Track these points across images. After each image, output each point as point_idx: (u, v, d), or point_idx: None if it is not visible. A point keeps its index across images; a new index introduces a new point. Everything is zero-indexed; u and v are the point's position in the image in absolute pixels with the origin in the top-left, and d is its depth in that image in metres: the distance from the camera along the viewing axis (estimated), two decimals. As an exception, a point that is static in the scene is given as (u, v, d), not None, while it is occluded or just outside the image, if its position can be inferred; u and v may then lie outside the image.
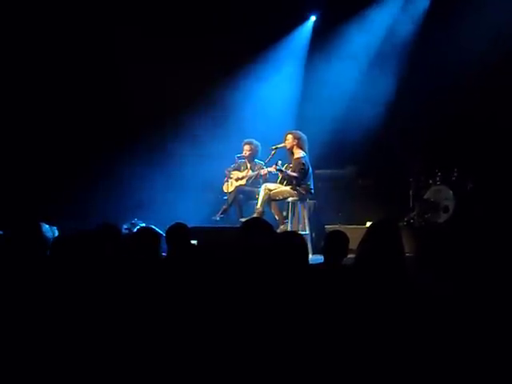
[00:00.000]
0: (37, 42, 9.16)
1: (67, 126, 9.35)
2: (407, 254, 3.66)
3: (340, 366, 2.94)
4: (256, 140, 8.74)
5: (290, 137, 8.00)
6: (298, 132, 8.09)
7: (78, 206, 9.08)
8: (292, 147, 7.98)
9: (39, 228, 4.41)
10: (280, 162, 7.91)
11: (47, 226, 4.68)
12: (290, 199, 7.96)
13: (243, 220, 7.87)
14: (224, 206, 8.55)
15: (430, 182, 8.59)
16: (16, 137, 9.20)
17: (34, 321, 3.31)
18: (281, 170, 7.88)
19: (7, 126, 9.19)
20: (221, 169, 8.89)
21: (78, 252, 3.64)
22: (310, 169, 8.01)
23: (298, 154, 7.92)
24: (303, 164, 7.85)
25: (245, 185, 8.61)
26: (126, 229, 8.33)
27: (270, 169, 8.13)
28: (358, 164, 9.48)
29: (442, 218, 8.37)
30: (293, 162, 7.97)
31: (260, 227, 3.91)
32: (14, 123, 9.22)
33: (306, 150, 8.01)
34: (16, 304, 3.42)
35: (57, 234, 6.56)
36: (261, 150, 8.68)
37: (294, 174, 7.86)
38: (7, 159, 9.16)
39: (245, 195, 8.57)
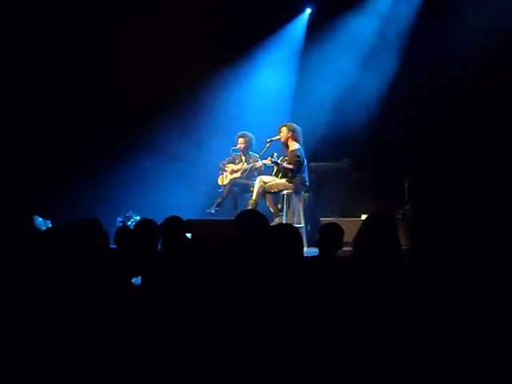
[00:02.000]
0: (24, 37, 9.09)
1: (61, 120, 9.31)
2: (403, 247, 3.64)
3: (337, 359, 2.93)
4: (250, 132, 8.72)
5: (284, 129, 7.99)
6: (293, 124, 8.07)
7: (72, 199, 9.05)
8: (287, 140, 7.97)
9: (31, 221, 4.39)
10: (275, 154, 7.89)
11: (40, 219, 4.67)
12: (284, 192, 7.96)
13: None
14: (219, 199, 8.54)
15: (426, 174, 8.58)
16: (9, 131, 9.15)
17: (28, 315, 3.29)
18: (276, 163, 7.87)
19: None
20: (215, 162, 8.87)
21: (68, 243, 3.62)
22: (305, 161, 7.99)
23: (293, 146, 7.91)
24: (298, 156, 7.84)
25: (240, 177, 8.60)
26: (120, 221, 8.32)
27: (265, 161, 8.12)
28: (353, 157, 9.46)
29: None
30: (288, 155, 7.95)
31: (254, 219, 3.89)
32: (6, 118, 9.16)
33: (301, 143, 7.99)
34: (8, 297, 3.40)
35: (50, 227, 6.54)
36: (255, 142, 8.66)
37: (290, 166, 7.85)
38: (0, 154, 9.12)
39: (240, 188, 8.56)
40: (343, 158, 9.50)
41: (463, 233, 3.86)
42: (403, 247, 3.57)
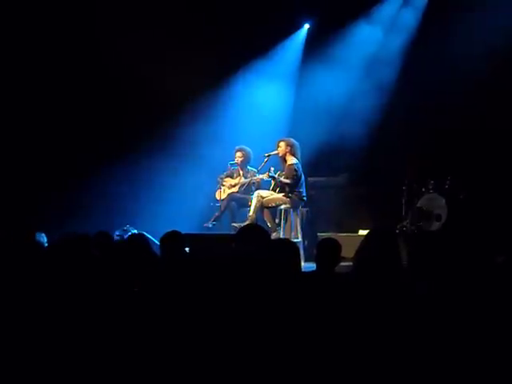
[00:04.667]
0: (23, 49, 9.11)
1: (59, 133, 9.31)
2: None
3: (336, 374, 2.92)
4: (248, 147, 8.75)
5: (282, 144, 8.01)
6: (291, 139, 8.09)
7: (69, 212, 9.04)
8: (285, 154, 7.99)
9: (34, 234, 4.42)
10: (273, 168, 7.91)
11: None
12: (282, 206, 7.96)
13: (235, 225, 7.87)
14: (216, 213, 8.54)
15: (423, 190, 8.58)
16: (7, 144, 9.15)
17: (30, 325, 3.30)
18: (273, 177, 7.88)
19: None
20: (213, 176, 8.88)
21: (73, 255, 3.64)
22: (303, 176, 8.01)
23: (291, 160, 7.93)
24: (295, 170, 7.85)
25: (237, 192, 8.60)
26: (117, 235, 8.28)
27: (262, 176, 8.13)
28: (351, 172, 9.48)
29: (435, 226, 8.36)
30: (285, 169, 7.97)
31: (256, 234, 3.90)
32: (5, 130, 9.17)
33: (299, 157, 8.01)
34: (12, 309, 3.41)
35: (45, 239, 6.54)
36: (253, 156, 8.68)
37: (287, 181, 7.86)
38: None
39: (237, 202, 8.57)
40: (341, 173, 9.52)
41: (464, 247, 3.86)
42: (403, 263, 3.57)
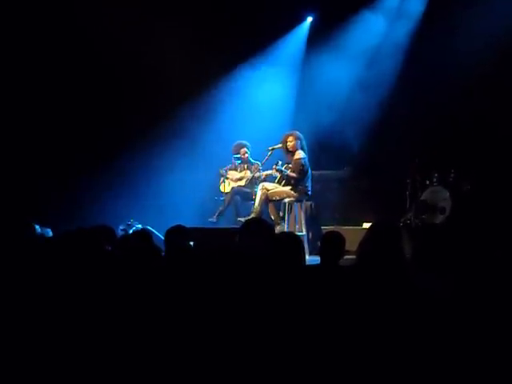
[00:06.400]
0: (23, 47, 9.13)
1: (62, 129, 9.32)
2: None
3: (338, 367, 2.93)
4: (252, 141, 8.79)
5: (291, 138, 7.96)
6: (298, 133, 8.07)
7: (73, 207, 9.07)
8: (294, 148, 7.95)
9: (31, 228, 4.42)
10: (280, 162, 7.90)
11: (37, 226, 4.71)
12: (286, 200, 7.95)
13: (240, 219, 7.88)
14: (220, 208, 8.53)
15: (427, 182, 8.58)
16: (9, 139, 9.17)
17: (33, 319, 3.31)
18: (280, 171, 7.87)
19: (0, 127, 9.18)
20: (215, 169, 8.90)
21: (78, 248, 3.65)
22: (309, 170, 8.00)
23: (299, 154, 7.90)
24: (302, 165, 7.84)
25: (244, 186, 8.62)
26: (121, 230, 8.30)
27: (270, 172, 8.16)
28: (355, 165, 9.47)
29: (439, 218, 8.36)
30: (292, 163, 7.95)
31: (260, 227, 3.91)
32: (7, 125, 9.18)
33: (306, 151, 8.00)
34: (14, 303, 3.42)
35: (50, 235, 6.57)
36: (255, 149, 8.74)
37: (294, 175, 7.85)
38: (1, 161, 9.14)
39: (241, 196, 8.58)
40: (344, 167, 9.52)
41: (468, 240, 3.86)
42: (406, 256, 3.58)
